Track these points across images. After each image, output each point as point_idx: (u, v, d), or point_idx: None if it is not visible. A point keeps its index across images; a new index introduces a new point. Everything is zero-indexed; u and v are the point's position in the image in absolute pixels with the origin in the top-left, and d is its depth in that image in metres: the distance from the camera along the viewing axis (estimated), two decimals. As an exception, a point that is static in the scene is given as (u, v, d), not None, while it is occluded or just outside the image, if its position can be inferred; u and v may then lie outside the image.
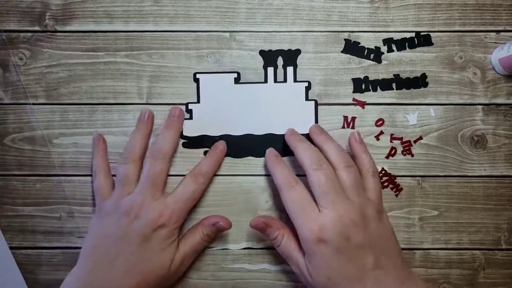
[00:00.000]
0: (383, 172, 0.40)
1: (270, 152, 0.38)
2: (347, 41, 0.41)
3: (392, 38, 0.41)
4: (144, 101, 0.40)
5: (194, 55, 0.41)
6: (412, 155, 0.40)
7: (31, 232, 0.40)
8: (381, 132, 0.41)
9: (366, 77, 0.41)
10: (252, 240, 0.40)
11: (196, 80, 0.40)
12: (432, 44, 0.41)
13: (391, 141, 0.41)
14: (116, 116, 0.40)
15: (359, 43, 0.41)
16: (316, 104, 0.40)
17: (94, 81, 0.40)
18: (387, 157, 0.41)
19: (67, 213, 0.40)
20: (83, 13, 0.40)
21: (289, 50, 0.40)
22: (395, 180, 0.40)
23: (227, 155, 0.40)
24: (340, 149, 0.36)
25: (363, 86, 0.41)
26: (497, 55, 0.39)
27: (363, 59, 0.41)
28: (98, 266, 0.34)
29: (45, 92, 0.40)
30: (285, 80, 0.40)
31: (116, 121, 0.40)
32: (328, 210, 0.32)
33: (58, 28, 0.40)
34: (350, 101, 0.41)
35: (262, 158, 0.40)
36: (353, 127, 0.41)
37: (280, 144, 0.40)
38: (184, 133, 0.40)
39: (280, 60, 0.40)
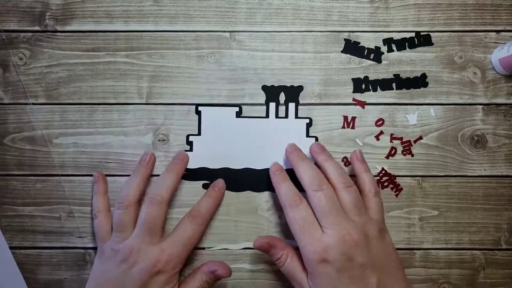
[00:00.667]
0: (383, 172, 0.40)
1: (275, 167, 0.38)
2: (347, 41, 0.41)
3: (392, 38, 0.41)
4: (144, 101, 0.40)
5: (194, 55, 0.41)
6: (412, 155, 0.40)
7: (31, 232, 0.40)
8: (381, 132, 0.41)
9: (366, 77, 0.41)
10: (252, 240, 0.40)
11: (198, 113, 0.40)
12: (432, 44, 0.41)
13: (391, 141, 0.41)
14: (116, 116, 0.40)
15: (359, 43, 0.41)
16: (316, 141, 0.40)
17: (94, 81, 0.40)
18: (387, 157, 0.40)
19: (67, 213, 0.40)
20: (83, 13, 0.40)
21: (292, 86, 0.40)
22: (395, 180, 0.40)
23: (226, 189, 0.40)
24: (340, 168, 0.36)
25: (363, 86, 0.41)
26: (497, 55, 0.39)
27: (363, 59, 0.41)
28: None
29: (45, 92, 0.40)
30: (286, 116, 0.40)
31: (116, 121, 0.40)
32: (330, 231, 0.32)
33: (58, 28, 0.40)
34: (350, 101, 0.41)
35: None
36: (353, 127, 0.41)
37: None
38: None
39: (282, 95, 0.40)
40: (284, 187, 0.36)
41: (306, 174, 0.35)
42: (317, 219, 0.34)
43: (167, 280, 0.35)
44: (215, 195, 0.39)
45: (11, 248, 0.40)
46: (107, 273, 0.35)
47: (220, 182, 0.40)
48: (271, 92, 0.40)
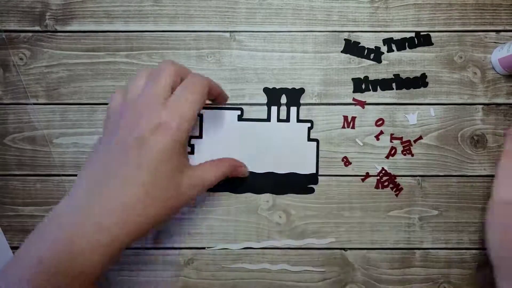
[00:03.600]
0: (383, 172, 0.40)
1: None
2: (347, 41, 0.41)
3: (392, 38, 0.41)
4: (144, 101, 0.40)
5: (194, 55, 0.41)
6: (412, 155, 0.40)
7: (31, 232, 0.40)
8: (381, 132, 0.41)
9: (366, 77, 0.41)
10: (252, 240, 0.40)
11: (199, 115, 0.40)
12: (432, 44, 0.41)
13: (391, 141, 0.41)
14: (116, 116, 0.40)
15: (359, 43, 0.41)
16: (318, 145, 0.40)
17: (95, 81, 0.40)
18: (387, 157, 0.41)
19: (68, 213, 0.40)
20: (83, 13, 0.40)
21: (293, 88, 0.40)
22: (395, 180, 0.40)
23: (226, 190, 0.40)
24: None
25: (363, 86, 0.41)
26: (497, 55, 0.39)
27: (363, 59, 0.41)
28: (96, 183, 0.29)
29: (46, 92, 0.40)
30: (288, 119, 0.40)
31: (116, 121, 0.40)
32: None
33: (58, 28, 0.40)
34: (350, 101, 0.41)
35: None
36: (353, 127, 0.41)
37: (280, 183, 0.40)
38: None
39: (283, 98, 0.40)
40: None
41: None
42: None
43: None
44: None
45: (11, 248, 0.40)
46: None
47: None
48: (272, 95, 0.40)
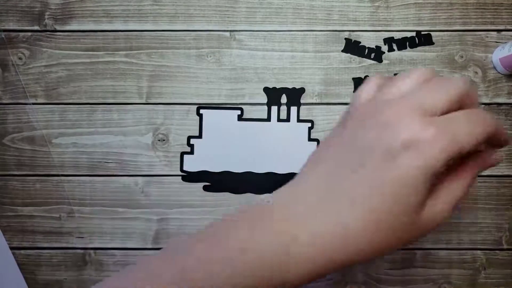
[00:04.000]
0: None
1: None
2: (347, 40, 0.41)
3: (393, 37, 0.40)
4: (143, 101, 0.40)
5: (194, 55, 0.40)
6: (413, 155, 0.40)
7: (30, 232, 0.40)
8: (382, 132, 0.40)
9: (367, 77, 0.40)
10: (252, 240, 0.40)
11: (199, 115, 0.40)
12: (433, 43, 0.41)
13: (391, 141, 0.40)
14: (115, 116, 0.40)
15: (360, 42, 0.41)
16: (318, 145, 0.40)
17: (94, 81, 0.40)
18: (387, 157, 0.40)
19: (67, 213, 0.40)
20: (82, 13, 0.40)
21: (293, 88, 0.40)
22: (396, 180, 0.40)
23: (226, 190, 0.40)
24: None
25: (364, 86, 0.40)
26: (498, 55, 0.39)
27: (364, 59, 0.41)
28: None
29: (45, 92, 0.40)
30: (288, 119, 0.40)
31: (116, 121, 0.40)
32: None
33: (58, 28, 0.40)
34: (351, 100, 0.40)
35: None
36: (353, 127, 0.40)
37: (280, 183, 0.40)
38: (184, 168, 0.40)
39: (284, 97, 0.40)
40: None
41: None
42: None
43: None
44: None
45: (11, 248, 0.40)
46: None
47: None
48: (272, 95, 0.40)
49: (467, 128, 0.22)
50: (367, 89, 0.27)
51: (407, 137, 0.22)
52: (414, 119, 0.22)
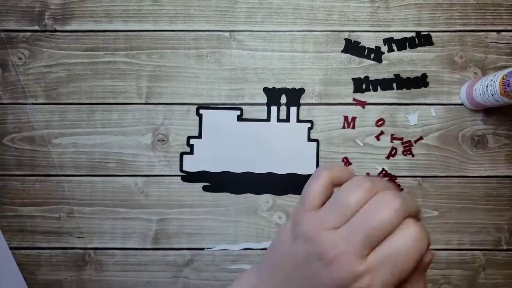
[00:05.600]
0: (384, 172, 0.40)
1: None
2: (347, 40, 0.41)
3: (392, 37, 0.40)
4: (143, 101, 0.40)
5: (193, 55, 0.40)
6: (413, 155, 0.40)
7: (30, 232, 0.40)
8: (382, 132, 0.40)
9: (367, 77, 0.40)
10: (252, 240, 0.40)
11: (199, 115, 0.40)
12: (433, 43, 0.41)
13: (391, 141, 0.40)
14: (115, 116, 0.40)
15: (360, 42, 0.41)
16: (318, 145, 0.40)
17: (94, 81, 0.40)
18: (387, 157, 0.40)
19: (67, 213, 0.40)
20: (82, 13, 0.40)
21: (293, 88, 0.40)
22: (396, 181, 0.40)
23: (226, 190, 0.40)
24: None
25: (364, 86, 0.40)
26: (466, 92, 0.39)
27: (364, 59, 0.41)
28: None
29: (45, 92, 0.40)
30: (287, 120, 0.40)
31: (116, 121, 0.40)
32: None
33: (58, 28, 0.40)
34: (351, 101, 0.40)
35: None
36: (353, 127, 0.40)
37: (279, 183, 0.40)
38: (184, 168, 0.40)
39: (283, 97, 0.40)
40: None
41: None
42: None
43: None
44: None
45: (10, 248, 0.40)
46: (292, 255, 0.25)
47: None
48: (272, 95, 0.40)
49: (404, 258, 0.22)
50: (318, 191, 0.25)
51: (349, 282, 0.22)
52: (354, 266, 0.22)
